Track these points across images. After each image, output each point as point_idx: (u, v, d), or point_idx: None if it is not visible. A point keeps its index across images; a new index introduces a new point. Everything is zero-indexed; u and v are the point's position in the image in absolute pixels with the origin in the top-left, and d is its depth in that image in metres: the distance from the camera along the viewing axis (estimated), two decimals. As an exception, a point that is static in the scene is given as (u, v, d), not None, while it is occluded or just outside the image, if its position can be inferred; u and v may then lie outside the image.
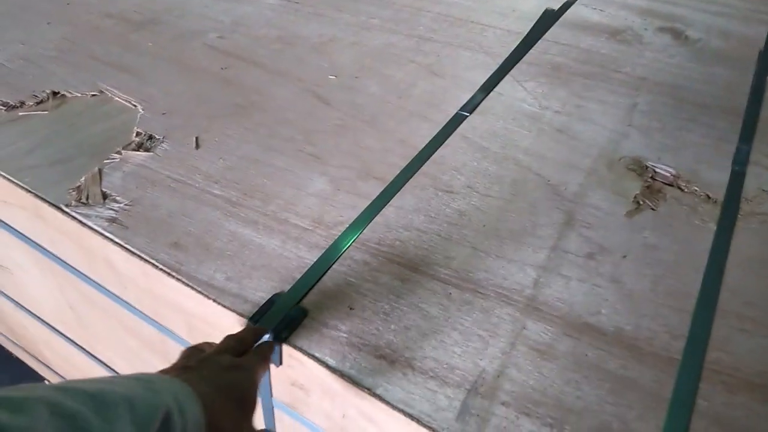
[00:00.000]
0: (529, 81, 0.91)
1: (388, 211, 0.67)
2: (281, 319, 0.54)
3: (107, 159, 0.73)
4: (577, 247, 0.64)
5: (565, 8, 1.14)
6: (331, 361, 0.52)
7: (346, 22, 1.06)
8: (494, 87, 0.89)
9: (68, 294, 0.83)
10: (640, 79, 0.93)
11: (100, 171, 0.72)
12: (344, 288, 0.59)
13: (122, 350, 0.87)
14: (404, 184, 0.71)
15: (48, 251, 0.77)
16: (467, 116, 0.83)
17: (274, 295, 0.57)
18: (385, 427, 0.51)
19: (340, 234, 0.64)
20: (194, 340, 0.51)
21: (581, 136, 0.80)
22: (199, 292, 0.58)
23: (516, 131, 0.81)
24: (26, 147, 0.74)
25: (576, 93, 0.89)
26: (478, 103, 0.85)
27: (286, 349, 0.54)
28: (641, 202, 0.70)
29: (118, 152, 0.75)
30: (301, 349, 0.53)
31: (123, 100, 0.84)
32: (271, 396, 0.62)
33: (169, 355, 0.74)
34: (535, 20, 1.08)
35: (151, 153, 0.75)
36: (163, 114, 0.82)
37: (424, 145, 0.77)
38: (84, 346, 0.99)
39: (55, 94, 0.85)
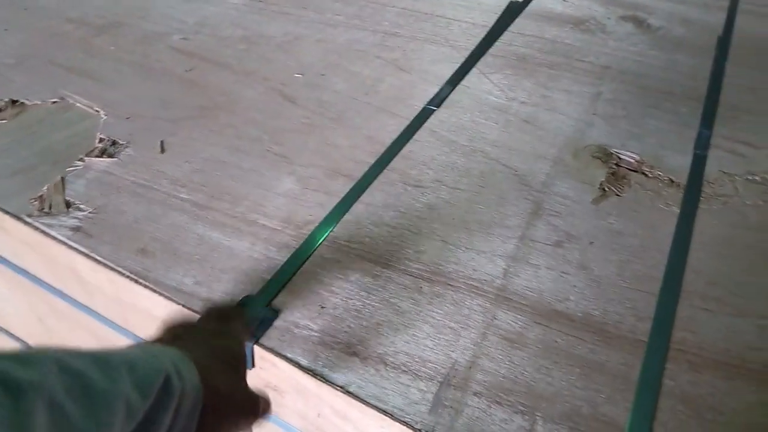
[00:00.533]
0: (495, 73, 0.92)
1: (358, 208, 0.67)
2: (252, 321, 0.54)
3: (70, 167, 0.72)
4: (545, 235, 0.65)
5: (529, 0, 1.15)
6: (304, 361, 0.52)
7: (311, 19, 1.06)
8: (461, 80, 0.90)
9: (36, 306, 0.82)
10: (604, 67, 0.94)
11: (62, 179, 0.70)
12: (315, 287, 0.58)
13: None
14: (373, 181, 0.71)
15: (12, 263, 0.75)
16: (434, 110, 0.83)
17: (244, 297, 0.57)
18: (360, 423, 0.52)
19: (309, 233, 0.64)
20: (163, 347, 0.50)
21: (547, 126, 0.81)
22: (168, 297, 0.57)
23: (483, 123, 0.81)
24: (-15, 157, 0.73)
25: (541, 83, 0.90)
26: (445, 97, 0.86)
27: (258, 351, 0.54)
28: (607, 189, 0.71)
29: (81, 159, 0.73)
30: (272, 351, 0.53)
31: (85, 106, 0.83)
32: (247, 399, 0.61)
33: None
34: (500, 12, 1.09)
35: (115, 159, 0.74)
36: (127, 118, 0.80)
37: (392, 141, 0.77)
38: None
39: (14, 102, 0.83)
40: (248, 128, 0.79)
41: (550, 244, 0.63)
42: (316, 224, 0.65)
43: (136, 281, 0.59)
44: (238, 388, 0.43)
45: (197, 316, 0.50)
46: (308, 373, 0.51)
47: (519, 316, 0.56)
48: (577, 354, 0.53)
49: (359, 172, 0.72)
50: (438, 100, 0.85)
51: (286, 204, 0.68)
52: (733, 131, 0.81)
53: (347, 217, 0.66)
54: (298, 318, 0.56)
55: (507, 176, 0.72)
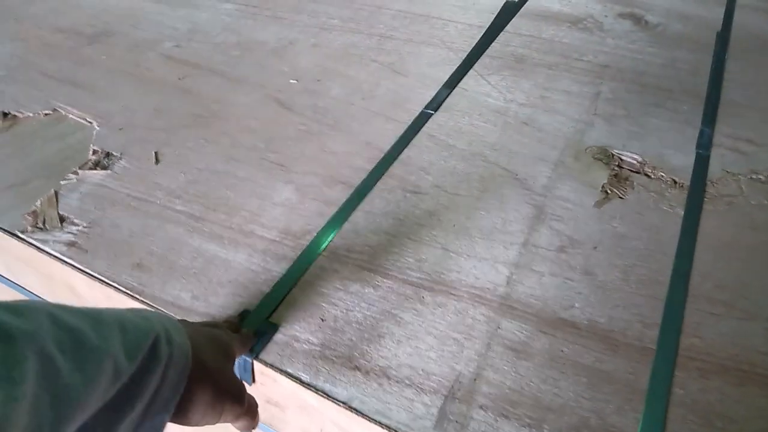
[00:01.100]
0: (493, 74, 0.91)
1: (357, 216, 0.66)
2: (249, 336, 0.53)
3: (63, 180, 0.71)
4: (548, 241, 0.63)
5: (525, -1, 1.14)
6: (305, 376, 0.51)
7: (305, 24, 1.05)
8: (458, 83, 0.88)
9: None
10: (603, 66, 0.93)
11: (56, 193, 0.69)
12: (315, 299, 0.57)
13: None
14: (372, 188, 0.70)
15: (6, 279, 0.74)
16: (432, 114, 0.82)
17: (242, 311, 0.56)
18: (364, 439, 0.50)
19: (308, 243, 0.63)
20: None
21: (547, 127, 0.80)
22: (165, 313, 0.56)
23: (482, 126, 0.80)
24: (-24, 173, 0.71)
25: (540, 84, 0.89)
26: (443, 100, 0.85)
27: (258, 367, 0.52)
28: (609, 192, 0.70)
29: (75, 172, 0.72)
30: (272, 366, 0.52)
31: (78, 117, 0.81)
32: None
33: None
34: (496, 12, 1.08)
35: (109, 171, 0.72)
36: (120, 129, 0.79)
37: (390, 147, 0.76)
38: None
39: (5, 114, 0.81)
40: (244, 136, 0.78)
41: (553, 250, 0.62)
42: (315, 234, 0.64)
43: (133, 296, 0.58)
44: (227, 370, 0.44)
45: None
46: (310, 389, 0.50)
47: (524, 325, 0.55)
48: (584, 363, 0.52)
49: (357, 179, 0.71)
50: (435, 104, 0.84)
51: (283, 214, 0.66)
52: (736, 129, 0.79)
53: (346, 225, 0.65)
54: (298, 331, 0.55)
55: (507, 180, 0.71)
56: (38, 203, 0.67)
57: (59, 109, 0.83)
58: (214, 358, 0.42)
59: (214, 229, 0.65)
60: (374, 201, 0.68)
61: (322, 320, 0.55)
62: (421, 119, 0.81)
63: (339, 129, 0.79)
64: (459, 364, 0.52)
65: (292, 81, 0.89)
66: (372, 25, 1.04)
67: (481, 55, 0.95)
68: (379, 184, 0.70)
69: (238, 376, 0.47)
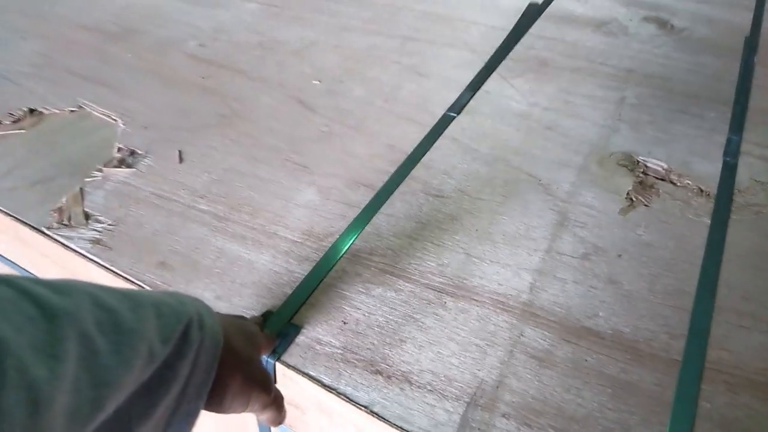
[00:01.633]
0: (516, 78, 0.90)
1: (379, 219, 0.66)
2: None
3: (88, 177, 0.72)
4: (571, 248, 0.63)
5: (548, 1, 1.13)
6: (326, 379, 0.51)
7: (327, 24, 1.05)
8: (481, 85, 0.88)
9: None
10: (628, 71, 0.92)
11: (81, 190, 0.70)
12: (337, 302, 0.57)
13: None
14: (394, 191, 0.70)
15: (31, 274, 0.75)
16: (455, 117, 0.81)
17: (265, 312, 0.56)
18: (385, 444, 0.50)
19: (330, 245, 0.63)
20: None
21: (571, 132, 0.79)
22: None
23: (505, 130, 0.79)
24: (3, 168, 0.72)
25: (564, 88, 0.88)
26: (466, 103, 0.84)
27: (280, 368, 0.52)
28: (634, 199, 0.69)
29: (100, 170, 0.73)
30: (294, 368, 0.52)
31: (103, 114, 0.82)
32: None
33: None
34: (520, 15, 1.07)
35: (134, 169, 0.73)
36: (145, 128, 0.80)
37: (412, 149, 0.76)
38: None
39: (32, 111, 0.83)
40: (266, 137, 0.78)
41: (577, 257, 0.62)
42: (337, 236, 0.64)
43: (156, 295, 0.58)
44: (255, 359, 0.44)
45: None
46: (331, 392, 0.50)
47: (547, 333, 0.54)
48: (609, 373, 0.51)
49: (380, 181, 0.71)
50: (458, 107, 0.83)
51: (306, 215, 0.67)
52: (764, 137, 0.78)
53: (368, 228, 0.65)
54: (320, 334, 0.55)
55: (531, 185, 0.71)
56: (64, 200, 0.68)
57: (84, 107, 0.83)
58: (243, 346, 0.42)
59: (237, 229, 0.65)
60: (396, 204, 0.68)
61: (344, 323, 0.55)
62: (444, 122, 0.80)
63: (361, 131, 0.79)
64: (481, 371, 0.52)
65: (314, 81, 0.89)
66: (394, 26, 1.04)
67: (504, 58, 0.95)
68: (401, 186, 0.70)
69: None
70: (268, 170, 0.73)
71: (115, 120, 0.81)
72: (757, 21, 1.06)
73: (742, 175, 0.72)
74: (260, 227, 0.65)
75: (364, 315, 0.56)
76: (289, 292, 0.58)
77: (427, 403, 0.49)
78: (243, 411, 0.42)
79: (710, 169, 0.73)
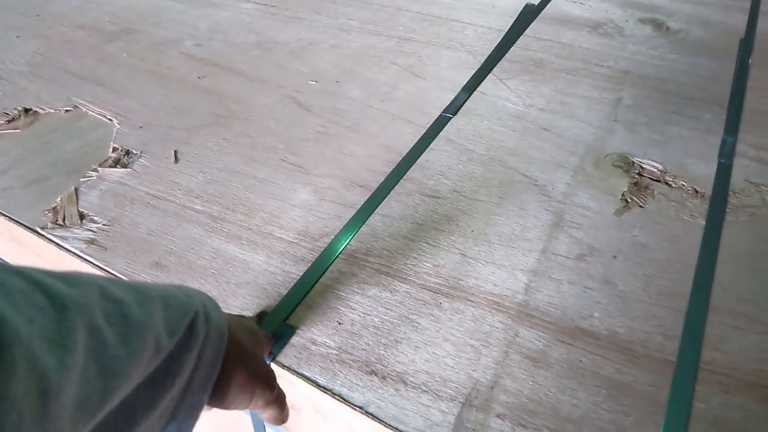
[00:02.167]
0: (512, 79, 0.90)
1: (375, 219, 0.66)
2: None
3: (83, 177, 0.71)
4: (567, 248, 0.63)
5: (545, 3, 1.13)
6: (321, 380, 0.51)
7: (324, 24, 1.05)
8: (477, 86, 0.88)
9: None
10: (624, 72, 0.92)
11: (76, 190, 0.70)
12: (332, 302, 0.57)
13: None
14: (390, 191, 0.70)
15: (26, 274, 0.74)
16: (451, 118, 0.82)
17: (260, 312, 0.56)
18: (380, 444, 0.50)
19: (326, 246, 0.63)
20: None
21: (567, 133, 0.79)
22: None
23: (501, 131, 0.80)
24: (-2, 168, 0.72)
25: (560, 89, 0.88)
26: (462, 104, 0.84)
27: (275, 369, 0.52)
28: (629, 200, 0.69)
29: (95, 169, 0.72)
30: (289, 369, 0.52)
31: (98, 114, 0.82)
32: (263, 415, 0.60)
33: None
34: (516, 16, 1.07)
35: (129, 169, 0.73)
36: (141, 127, 0.80)
37: (408, 150, 0.76)
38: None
39: (27, 111, 0.82)
40: (263, 137, 0.78)
41: (572, 258, 0.62)
42: (333, 237, 0.64)
43: (151, 296, 0.58)
44: (259, 354, 0.45)
45: None
46: (326, 393, 0.50)
47: (542, 334, 0.55)
48: (603, 374, 0.51)
49: (375, 182, 0.71)
50: (454, 108, 0.83)
51: (302, 215, 0.66)
52: (759, 138, 0.78)
53: (364, 229, 0.65)
54: (315, 334, 0.54)
55: (527, 186, 0.71)
56: (58, 200, 0.68)
57: (80, 106, 0.83)
58: (248, 342, 0.43)
59: (232, 229, 0.65)
60: (392, 204, 0.68)
61: (339, 324, 0.55)
62: (440, 123, 0.80)
63: (358, 131, 0.79)
64: (476, 371, 0.52)
65: (311, 82, 0.89)
66: (391, 27, 1.04)
67: (500, 59, 0.95)
68: (397, 187, 0.70)
69: None
70: (264, 170, 0.73)
71: (110, 120, 0.81)
72: (752, 23, 1.06)
73: (737, 177, 0.72)
74: (255, 227, 0.65)
75: (359, 315, 0.56)
76: (284, 292, 0.58)
77: (422, 404, 0.49)
78: (246, 407, 0.42)
79: (705, 171, 0.73)
